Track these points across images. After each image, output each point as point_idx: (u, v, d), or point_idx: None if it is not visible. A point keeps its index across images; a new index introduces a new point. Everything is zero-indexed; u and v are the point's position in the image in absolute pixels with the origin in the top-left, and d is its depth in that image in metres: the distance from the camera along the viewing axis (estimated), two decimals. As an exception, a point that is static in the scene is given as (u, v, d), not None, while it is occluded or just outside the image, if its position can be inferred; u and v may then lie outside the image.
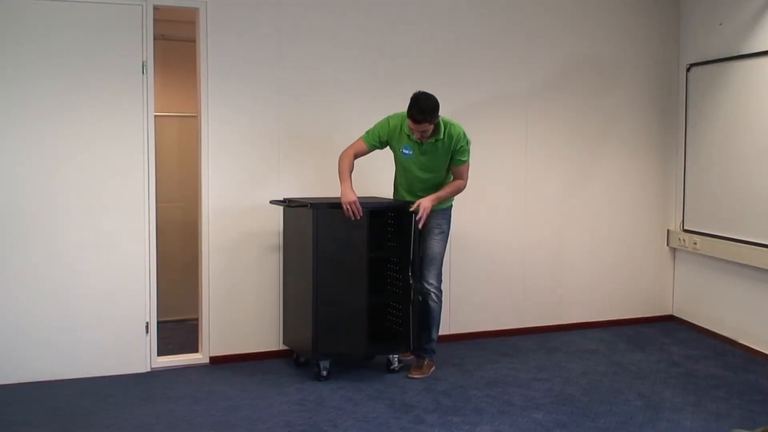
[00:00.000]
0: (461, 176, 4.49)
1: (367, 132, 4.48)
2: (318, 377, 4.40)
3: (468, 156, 4.46)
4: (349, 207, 4.24)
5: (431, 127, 4.26)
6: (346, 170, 4.35)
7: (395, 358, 4.59)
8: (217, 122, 4.64)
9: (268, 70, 4.74)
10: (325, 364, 4.41)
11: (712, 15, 5.42)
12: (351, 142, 4.78)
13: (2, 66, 4.21)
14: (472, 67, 5.24)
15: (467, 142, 4.43)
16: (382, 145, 4.49)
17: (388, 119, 4.45)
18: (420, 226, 4.36)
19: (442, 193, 4.45)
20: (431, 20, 5.12)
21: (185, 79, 5.43)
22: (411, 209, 4.36)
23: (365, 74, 4.97)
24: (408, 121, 4.25)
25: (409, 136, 4.36)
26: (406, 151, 4.43)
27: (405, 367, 4.61)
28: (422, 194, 4.46)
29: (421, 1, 5.10)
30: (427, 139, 4.33)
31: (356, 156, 4.43)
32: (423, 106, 4.17)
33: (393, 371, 4.56)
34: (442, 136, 4.34)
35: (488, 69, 5.29)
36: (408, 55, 5.06)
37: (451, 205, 4.63)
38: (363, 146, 4.45)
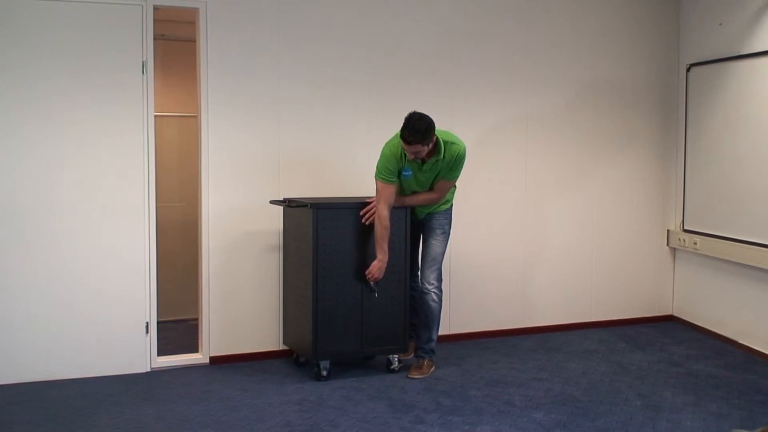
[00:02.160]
0: (441, 191, 4.43)
1: (379, 172, 4.33)
2: (318, 377, 4.40)
3: (458, 175, 4.43)
4: (372, 274, 4.33)
5: (425, 148, 4.17)
6: (384, 239, 4.29)
7: (395, 358, 4.59)
8: (217, 122, 4.64)
9: (268, 70, 4.74)
10: (325, 364, 4.41)
11: (712, 15, 5.42)
12: (351, 141, 4.80)
13: (2, 66, 4.22)
14: (473, 68, 5.24)
15: (463, 162, 4.38)
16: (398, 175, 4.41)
17: (389, 148, 4.32)
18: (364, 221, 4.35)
19: (407, 200, 4.44)
20: (432, 22, 5.12)
21: (185, 79, 5.44)
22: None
23: (366, 74, 4.96)
24: (401, 142, 4.18)
25: (407, 158, 4.29)
26: (406, 173, 4.36)
27: (405, 367, 4.61)
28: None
29: (424, 3, 5.10)
30: (427, 158, 4.28)
31: (390, 207, 4.31)
32: (416, 127, 4.09)
33: (393, 371, 4.56)
34: (442, 156, 4.28)
35: (487, 70, 5.29)
36: (409, 54, 5.05)
37: (452, 205, 4.63)
38: (390, 189, 4.32)
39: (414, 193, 4.47)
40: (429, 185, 4.44)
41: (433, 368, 4.60)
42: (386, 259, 4.32)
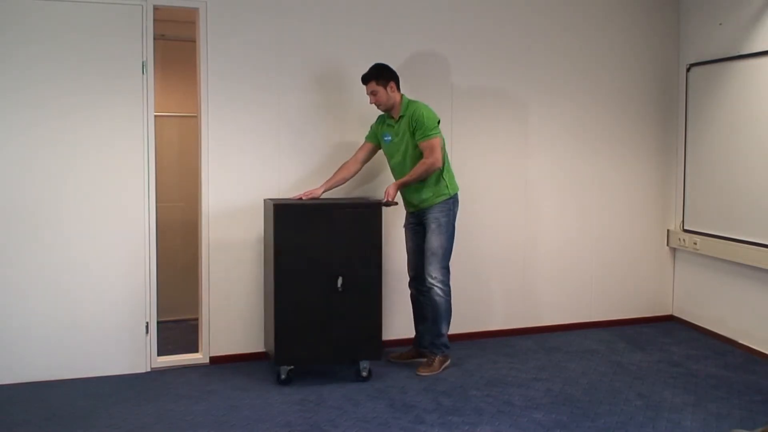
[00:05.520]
0: (427, 153, 4.40)
1: None
2: (278, 381, 4.35)
3: (428, 132, 4.40)
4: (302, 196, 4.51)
5: (381, 89, 4.45)
6: (332, 177, 4.61)
7: (365, 365, 4.45)
8: (217, 122, 4.64)
9: (268, 70, 4.74)
10: (285, 369, 4.34)
11: (712, 15, 5.42)
12: (351, 141, 4.83)
13: (3, 66, 4.22)
14: (471, 69, 5.23)
15: (424, 117, 4.40)
16: (377, 137, 4.65)
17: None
18: (384, 202, 4.41)
19: (406, 178, 4.44)
20: (433, 22, 5.12)
21: (185, 79, 5.44)
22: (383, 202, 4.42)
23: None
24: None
25: (387, 123, 4.56)
26: (386, 138, 4.59)
27: (407, 366, 4.62)
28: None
29: (422, 5, 5.10)
30: (395, 116, 4.49)
31: (358, 157, 4.63)
32: (370, 68, 4.49)
33: (364, 379, 4.43)
34: (403, 113, 4.47)
35: (486, 70, 5.29)
36: (411, 55, 5.05)
37: (449, 198, 4.53)
38: (364, 145, 4.67)
39: (405, 170, 4.52)
40: (403, 152, 4.49)
41: (447, 363, 4.62)
42: (315, 194, 4.48)
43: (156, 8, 4.48)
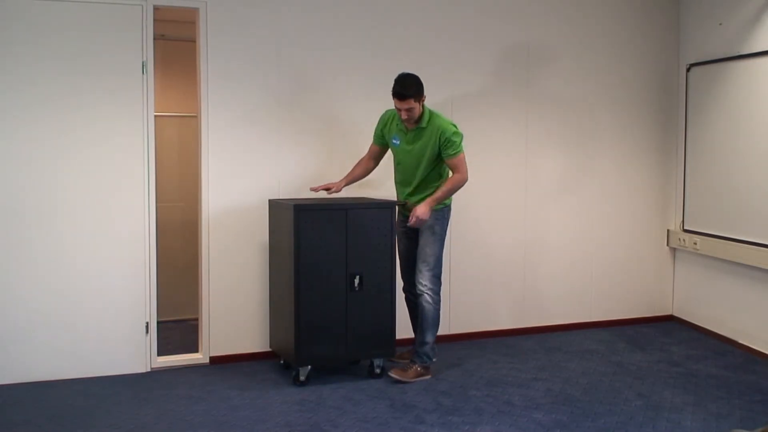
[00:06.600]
0: (457, 169, 4.40)
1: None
2: (296, 382, 4.34)
3: (457, 148, 4.36)
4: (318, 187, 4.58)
5: (417, 105, 4.29)
6: (349, 173, 4.65)
7: (379, 362, 4.48)
8: (217, 122, 4.64)
9: (268, 70, 4.74)
10: (304, 370, 4.34)
11: (712, 15, 5.42)
12: (350, 142, 4.83)
13: (2, 66, 4.22)
14: (471, 69, 5.24)
15: (454, 134, 4.35)
16: (384, 139, 4.60)
17: (385, 113, 4.59)
18: (410, 224, 4.37)
19: (438, 193, 4.37)
20: (431, 21, 5.12)
21: (185, 79, 5.43)
22: (409, 224, 4.35)
23: (366, 73, 4.96)
24: (394, 102, 4.32)
25: (398, 125, 4.47)
26: (395, 141, 4.52)
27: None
28: (415, 187, 4.47)
29: (422, 4, 5.10)
30: (412, 125, 4.39)
31: (372, 156, 4.65)
32: (404, 81, 4.28)
33: (377, 375, 4.47)
34: (425, 125, 4.38)
35: (487, 70, 5.29)
36: (409, 53, 5.04)
37: (446, 206, 4.52)
38: (372, 147, 4.66)
39: (423, 177, 4.46)
40: (418, 159, 4.42)
41: (425, 377, 4.46)
42: (336, 187, 4.56)
43: (156, 8, 4.48)
